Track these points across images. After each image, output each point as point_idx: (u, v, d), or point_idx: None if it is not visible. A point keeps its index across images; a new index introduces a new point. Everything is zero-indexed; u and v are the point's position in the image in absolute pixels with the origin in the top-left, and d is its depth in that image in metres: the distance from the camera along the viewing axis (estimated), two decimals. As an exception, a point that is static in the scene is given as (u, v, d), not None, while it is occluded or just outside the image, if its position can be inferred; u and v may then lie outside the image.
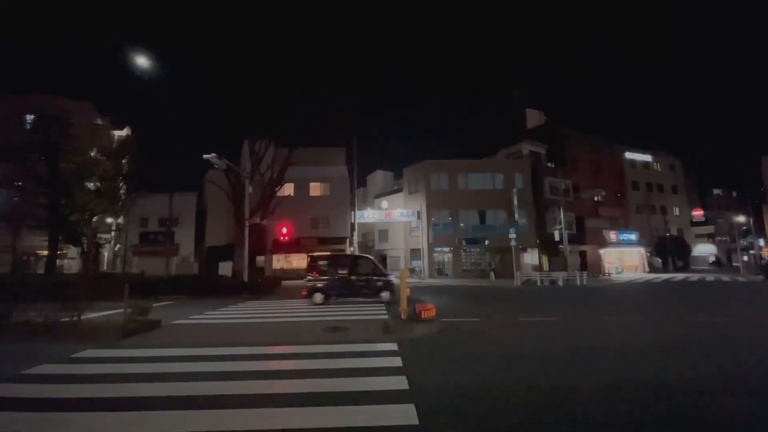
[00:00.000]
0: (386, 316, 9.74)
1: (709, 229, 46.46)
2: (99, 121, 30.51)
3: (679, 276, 30.05)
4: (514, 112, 42.37)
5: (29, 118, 28.21)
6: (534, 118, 41.27)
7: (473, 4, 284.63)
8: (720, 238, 46.12)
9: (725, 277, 27.97)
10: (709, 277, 28.12)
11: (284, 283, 23.44)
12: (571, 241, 27.73)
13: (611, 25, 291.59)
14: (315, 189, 31.50)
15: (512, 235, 25.07)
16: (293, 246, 28.44)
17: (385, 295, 12.78)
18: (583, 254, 32.73)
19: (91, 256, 20.31)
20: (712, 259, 45.45)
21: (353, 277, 13.16)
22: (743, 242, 38.11)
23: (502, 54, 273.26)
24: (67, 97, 28.93)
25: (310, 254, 18.94)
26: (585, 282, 22.83)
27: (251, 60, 22.11)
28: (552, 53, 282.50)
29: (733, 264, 41.83)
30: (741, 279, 26.69)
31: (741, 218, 37.15)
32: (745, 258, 36.51)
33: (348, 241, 30.60)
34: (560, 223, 26.20)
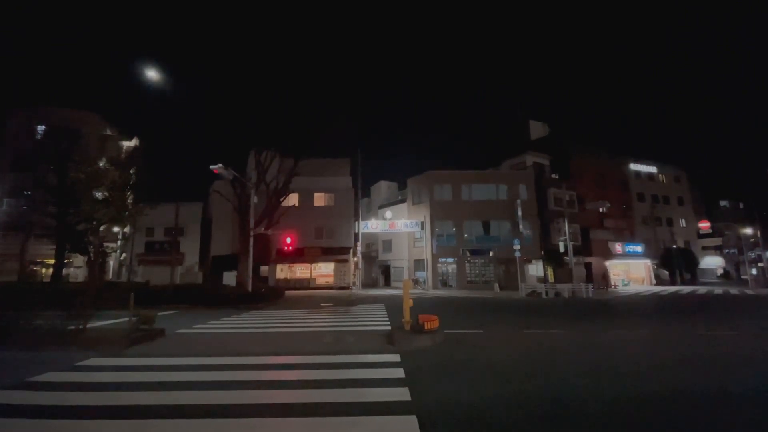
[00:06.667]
0: (389, 327, 9.72)
1: (717, 241, 45.99)
2: (108, 132, 31.08)
3: (687, 289, 29.69)
4: (517, 123, 42.61)
5: (40, 128, 28.80)
6: (537, 129, 41.44)
7: (477, 16, 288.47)
8: (728, 250, 45.62)
9: (733, 290, 27.59)
10: (717, 290, 27.76)
11: (288, 293, 23.47)
12: (576, 253, 27.57)
13: (615, 34, 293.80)
14: (319, 199, 31.67)
15: (516, 247, 24.96)
16: (297, 256, 28.50)
17: None
18: (588, 266, 32.48)
19: (97, 265, 20.47)
20: (720, 271, 44.88)
21: None
22: (751, 255, 37.67)
23: (506, 65, 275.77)
24: (77, 109, 29.56)
25: None
26: (591, 294, 22.61)
27: (258, 72, 22.47)
28: (555, 64, 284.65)
29: (742, 277, 41.33)
30: (749, 292, 26.31)
31: (748, 230, 36.78)
32: (754, 271, 35.99)
33: (351, 251, 30.63)
34: (565, 235, 26.07)
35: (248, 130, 21.66)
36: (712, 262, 45.12)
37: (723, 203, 55.25)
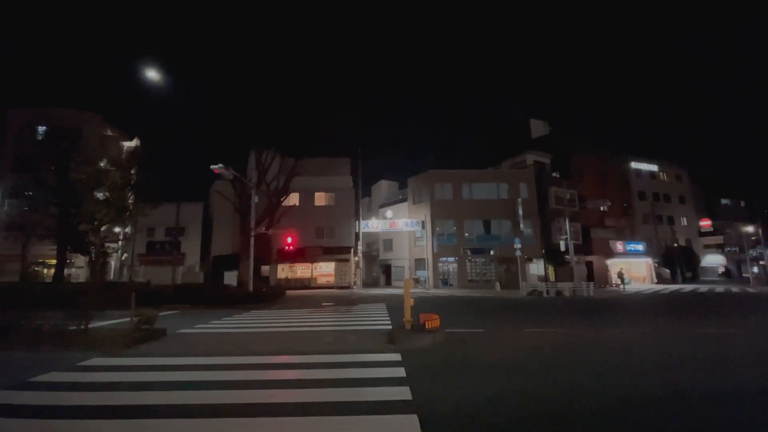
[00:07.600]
0: (390, 326, 9.72)
1: (718, 239, 45.86)
2: (109, 132, 31.12)
3: (688, 287, 29.64)
4: (518, 122, 42.54)
5: (41, 129, 28.84)
6: (538, 128, 41.34)
7: (477, 15, 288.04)
8: (729, 248, 45.50)
9: (735, 289, 27.56)
10: (719, 288, 27.72)
11: (289, 292, 23.48)
12: (576, 252, 27.53)
13: (615, 34, 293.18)
14: (320, 199, 31.69)
15: (517, 245, 24.94)
16: (298, 255, 28.53)
17: None
18: (589, 265, 32.42)
19: (98, 265, 20.50)
20: (721, 269, 44.78)
21: None
22: (752, 253, 37.60)
23: (506, 65, 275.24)
24: (78, 109, 29.57)
25: None
26: (592, 293, 22.59)
27: (258, 72, 22.51)
28: (556, 64, 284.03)
29: (743, 275, 41.20)
30: (751, 290, 26.27)
31: (750, 228, 36.70)
32: (755, 269, 35.90)
33: (352, 250, 30.64)
34: (566, 233, 26.03)
35: (248, 130, 21.69)
36: (714, 260, 45.01)
37: (724, 201, 54.99)
